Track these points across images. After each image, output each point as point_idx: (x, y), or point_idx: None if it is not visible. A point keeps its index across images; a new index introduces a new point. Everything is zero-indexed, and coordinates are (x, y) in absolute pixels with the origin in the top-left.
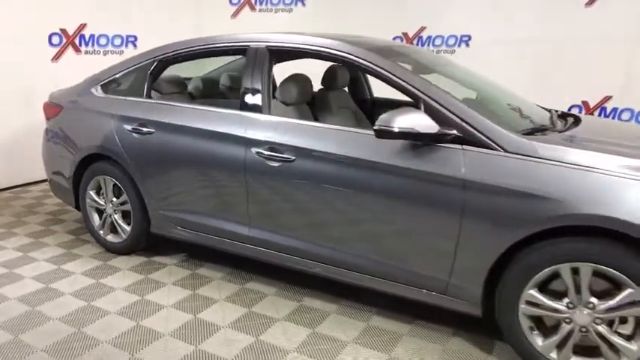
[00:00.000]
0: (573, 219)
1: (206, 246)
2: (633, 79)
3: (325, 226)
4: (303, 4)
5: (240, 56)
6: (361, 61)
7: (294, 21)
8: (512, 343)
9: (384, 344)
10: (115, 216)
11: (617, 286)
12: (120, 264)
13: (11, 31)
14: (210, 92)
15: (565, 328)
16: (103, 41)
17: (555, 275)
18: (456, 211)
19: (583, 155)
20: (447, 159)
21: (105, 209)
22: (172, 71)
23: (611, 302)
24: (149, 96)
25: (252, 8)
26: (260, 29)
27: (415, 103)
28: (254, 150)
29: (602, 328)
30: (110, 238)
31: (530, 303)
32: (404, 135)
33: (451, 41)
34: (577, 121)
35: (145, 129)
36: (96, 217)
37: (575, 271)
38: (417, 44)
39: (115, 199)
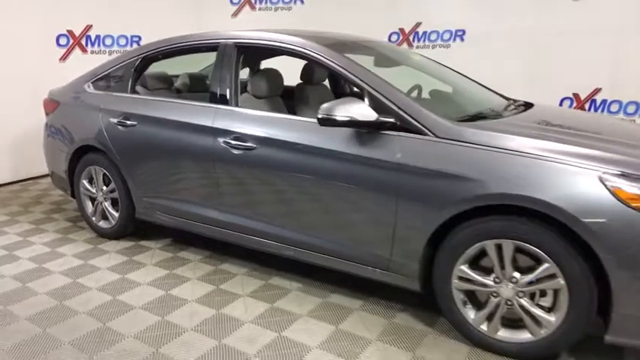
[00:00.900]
0: (491, 198)
1: (185, 230)
2: (621, 71)
3: (282, 208)
4: (302, 2)
5: None
6: (313, 54)
7: (293, 19)
8: (448, 317)
9: (335, 318)
10: (105, 203)
11: (538, 262)
12: (108, 247)
13: (21, 32)
14: (197, 88)
15: (493, 301)
16: (108, 41)
17: (484, 252)
18: (392, 193)
19: (503, 138)
20: (384, 145)
21: (96, 197)
22: (174, 68)
23: (531, 276)
24: (133, 91)
25: (253, 7)
26: (260, 28)
27: (361, 94)
28: (221, 140)
29: (525, 301)
30: (101, 223)
31: (461, 278)
32: (344, 123)
33: (446, 36)
34: (528, 109)
35: (128, 122)
36: (89, 204)
37: (500, 248)
38: (414, 40)
39: (104, 188)
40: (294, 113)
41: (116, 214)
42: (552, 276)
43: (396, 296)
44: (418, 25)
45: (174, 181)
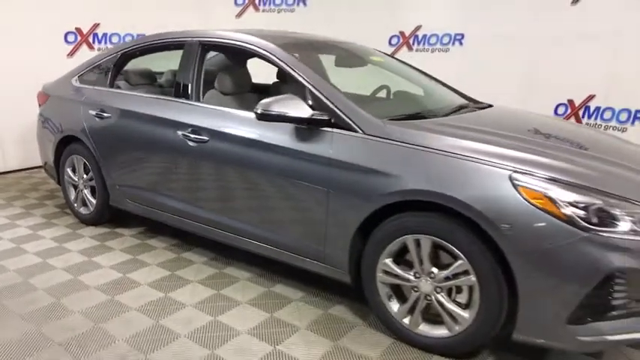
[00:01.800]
0: (407, 194)
1: (151, 218)
2: (615, 78)
3: (229, 199)
4: (305, 4)
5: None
6: (264, 52)
7: (296, 20)
8: (374, 310)
9: (272, 306)
10: (85, 191)
11: (455, 258)
12: (85, 232)
13: (30, 30)
14: None
15: (413, 295)
16: (115, 40)
17: (407, 247)
18: (324, 187)
19: (424, 137)
20: (320, 140)
21: (78, 185)
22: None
23: (447, 272)
24: (112, 85)
25: (256, 9)
26: (262, 28)
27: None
28: (180, 132)
29: (442, 297)
30: (82, 210)
31: (386, 272)
32: (280, 118)
33: (445, 39)
34: (480, 110)
35: (104, 114)
36: (72, 191)
37: (419, 244)
38: (413, 43)
39: (85, 176)
40: None
41: (94, 202)
42: (465, 272)
43: (339, 290)
44: (418, 28)
45: (141, 170)
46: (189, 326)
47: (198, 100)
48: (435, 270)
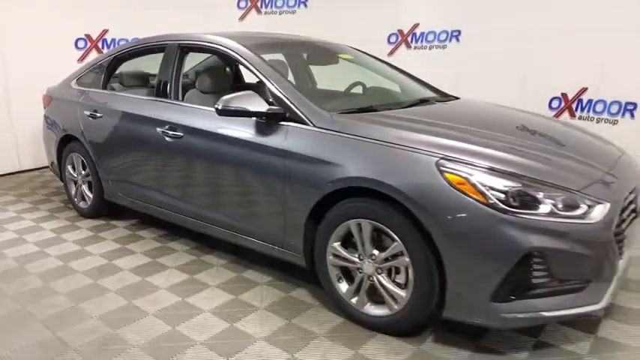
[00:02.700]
0: (348, 181)
1: (139, 210)
2: (607, 70)
3: (202, 190)
4: (305, 6)
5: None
6: (229, 52)
7: (297, 22)
8: (327, 291)
9: (238, 289)
10: (83, 186)
11: (393, 240)
12: (83, 224)
13: (43, 37)
14: None
15: (359, 276)
16: None
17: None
18: (280, 177)
19: (365, 128)
20: (276, 133)
21: (77, 180)
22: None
23: (385, 254)
24: (105, 87)
25: (258, 11)
26: (265, 31)
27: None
28: (159, 129)
29: (382, 278)
30: (81, 204)
31: (334, 255)
32: (238, 113)
33: (442, 36)
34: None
35: (97, 114)
36: (73, 187)
37: (361, 227)
38: (411, 40)
39: (82, 172)
40: None
41: (91, 196)
42: (401, 254)
43: (305, 275)
44: (416, 26)
45: (129, 166)
46: (158, 305)
47: (177, 98)
48: (376, 252)
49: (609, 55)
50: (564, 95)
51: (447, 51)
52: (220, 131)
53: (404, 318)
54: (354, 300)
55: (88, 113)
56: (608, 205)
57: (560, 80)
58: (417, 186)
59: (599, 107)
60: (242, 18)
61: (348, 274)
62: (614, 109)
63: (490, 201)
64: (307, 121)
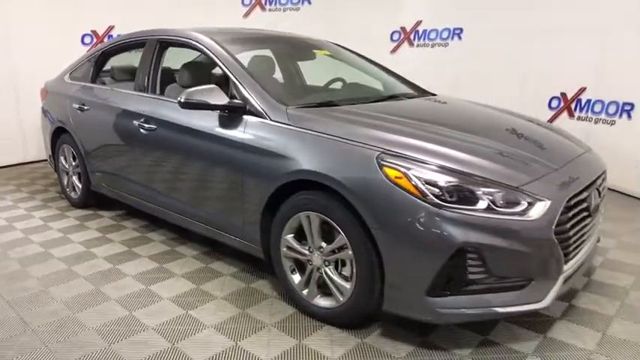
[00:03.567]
0: (295, 175)
1: (122, 201)
2: (605, 70)
3: (171, 181)
4: (309, 3)
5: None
6: (201, 47)
7: (301, 19)
8: (281, 282)
9: (201, 279)
10: (74, 177)
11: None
12: (71, 214)
13: (50, 32)
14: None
15: (309, 268)
16: None
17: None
18: (238, 169)
19: (316, 122)
20: (236, 126)
21: (68, 171)
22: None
23: (331, 246)
24: (93, 81)
25: (263, 8)
26: (270, 28)
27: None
28: (136, 122)
29: (329, 270)
30: (72, 194)
31: (287, 247)
32: (199, 105)
33: (445, 34)
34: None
35: (84, 107)
36: (65, 178)
37: (310, 220)
38: (414, 38)
39: (73, 163)
40: None
41: (80, 186)
42: (345, 246)
43: (270, 269)
44: (419, 23)
45: (111, 157)
46: (121, 292)
47: (155, 92)
48: (324, 244)
49: (608, 54)
50: (564, 95)
51: (449, 49)
52: (187, 124)
53: (349, 310)
54: (305, 292)
55: (76, 106)
56: (548, 202)
57: (559, 79)
58: (359, 180)
59: (597, 107)
60: (246, 15)
61: (302, 266)
62: (612, 109)
63: (425, 195)
64: (264, 114)
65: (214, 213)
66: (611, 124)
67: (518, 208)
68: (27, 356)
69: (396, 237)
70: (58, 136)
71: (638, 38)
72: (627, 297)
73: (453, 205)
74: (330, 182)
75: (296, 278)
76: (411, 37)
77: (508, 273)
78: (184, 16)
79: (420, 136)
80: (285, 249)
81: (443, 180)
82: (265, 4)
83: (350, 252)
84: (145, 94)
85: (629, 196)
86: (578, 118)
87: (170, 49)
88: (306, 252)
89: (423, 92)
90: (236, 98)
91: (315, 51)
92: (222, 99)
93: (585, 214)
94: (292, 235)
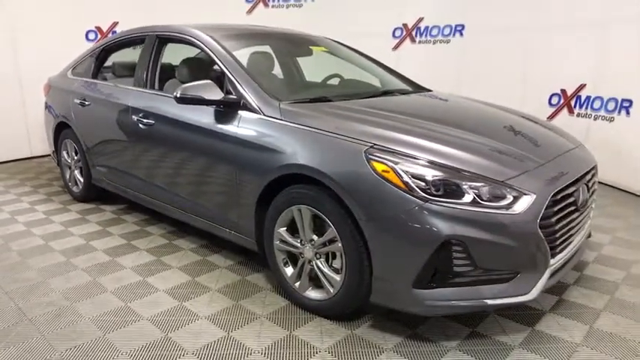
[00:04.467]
0: (286, 169)
1: (122, 195)
2: (605, 67)
3: (170, 176)
4: (312, 0)
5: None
6: (198, 43)
7: (304, 15)
8: (275, 275)
9: (197, 272)
10: (76, 171)
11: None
12: (73, 208)
13: (55, 28)
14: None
15: (300, 261)
16: None
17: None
18: (233, 163)
19: (307, 117)
20: (231, 121)
21: (70, 166)
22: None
23: (322, 239)
24: (95, 77)
25: (266, 5)
26: (273, 25)
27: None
28: (135, 117)
29: (320, 262)
30: (74, 189)
31: (281, 240)
32: (195, 100)
33: (446, 31)
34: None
35: (85, 102)
36: (67, 172)
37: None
38: (416, 35)
39: (75, 158)
40: None
41: (82, 180)
42: (335, 239)
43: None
44: (421, 20)
45: (110, 152)
46: (118, 283)
47: (153, 87)
48: (315, 237)
49: (607, 51)
50: (564, 92)
51: (451, 46)
52: (184, 119)
53: (339, 302)
54: (297, 284)
55: (78, 101)
56: (534, 196)
57: (559, 76)
58: (347, 173)
59: (597, 104)
60: (250, 11)
61: (294, 259)
62: (611, 106)
63: (412, 189)
64: (258, 109)
65: (210, 207)
66: (610, 120)
67: (504, 202)
68: (23, 345)
69: (383, 230)
70: (61, 130)
71: (638, 35)
72: (617, 291)
73: (439, 199)
74: (320, 176)
75: (288, 271)
76: (413, 33)
77: (493, 266)
78: (188, 12)
79: (409, 131)
80: (278, 242)
81: (429, 174)
82: (268, 0)
83: (340, 245)
84: (143, 90)
85: (626, 192)
86: (578, 115)
87: (173, 45)
88: (298, 245)
89: (418, 88)
90: (231, 94)
91: (312, 47)
92: (217, 94)
93: (572, 208)
94: (285, 228)
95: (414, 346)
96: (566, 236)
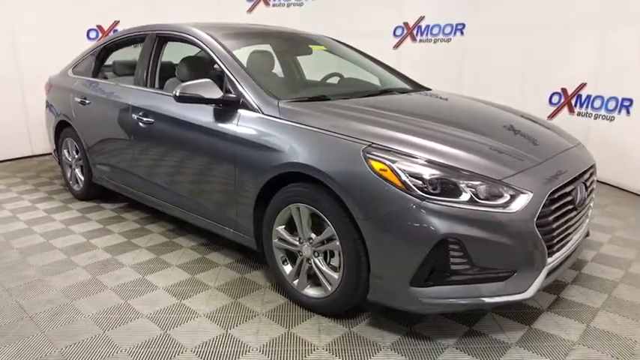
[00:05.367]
0: (287, 167)
1: (122, 193)
2: (605, 66)
3: (170, 174)
4: None
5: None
6: (197, 41)
7: (304, 14)
8: (273, 273)
9: (197, 269)
10: (76, 170)
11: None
12: (74, 206)
13: (56, 27)
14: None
15: (299, 259)
16: None
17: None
18: (232, 161)
19: (305, 116)
20: (230, 119)
21: (71, 164)
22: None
23: (320, 237)
24: (95, 75)
25: (267, 3)
26: (274, 23)
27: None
28: (135, 115)
29: (318, 260)
30: (75, 187)
31: (279, 238)
32: (194, 99)
33: (447, 30)
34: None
35: (86, 101)
36: (68, 170)
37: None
38: (417, 34)
39: (76, 156)
40: None
41: (83, 179)
42: (333, 238)
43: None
44: (421, 19)
45: (111, 150)
46: (118, 281)
47: (153, 86)
48: (313, 235)
49: (608, 50)
50: (564, 90)
51: (452, 45)
52: (183, 118)
53: (337, 299)
54: (295, 282)
55: (78, 100)
56: (530, 195)
57: (560, 75)
58: (345, 172)
59: (597, 103)
60: (250, 10)
61: (293, 257)
62: (612, 105)
63: (409, 188)
64: (257, 108)
65: (209, 205)
66: (611, 119)
67: (501, 201)
68: (23, 342)
69: (380, 228)
70: (62, 129)
71: (638, 34)
72: (615, 290)
73: (436, 197)
74: (318, 174)
75: (287, 269)
76: (414, 32)
77: (490, 264)
78: (189, 11)
79: (407, 129)
80: (276, 240)
81: (427, 173)
82: None
83: (337, 243)
84: (143, 88)
85: (626, 191)
86: (578, 114)
87: (173, 43)
88: (297, 243)
89: (417, 87)
90: (231, 92)
91: (312, 46)
92: (216, 93)
93: (570, 207)
94: (283, 226)
95: (412, 343)
96: (563, 235)
